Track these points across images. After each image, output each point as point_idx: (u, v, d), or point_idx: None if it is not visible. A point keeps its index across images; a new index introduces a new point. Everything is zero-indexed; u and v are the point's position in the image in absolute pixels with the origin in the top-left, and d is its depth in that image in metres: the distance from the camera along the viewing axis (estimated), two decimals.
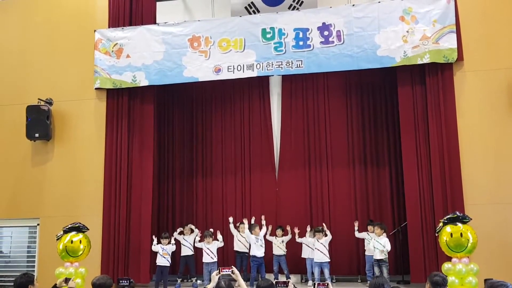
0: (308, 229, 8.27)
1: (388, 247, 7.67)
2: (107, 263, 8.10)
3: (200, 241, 8.30)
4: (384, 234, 7.79)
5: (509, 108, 7.49)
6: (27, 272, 5.00)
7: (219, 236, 8.17)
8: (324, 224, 8.15)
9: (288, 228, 8.35)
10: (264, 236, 8.16)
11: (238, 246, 8.35)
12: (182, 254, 8.46)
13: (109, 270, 7.93)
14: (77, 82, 8.76)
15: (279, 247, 8.21)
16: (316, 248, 7.89)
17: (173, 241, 8.15)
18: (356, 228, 8.10)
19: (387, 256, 7.68)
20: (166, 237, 8.13)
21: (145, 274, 8.10)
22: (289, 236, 8.27)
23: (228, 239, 8.61)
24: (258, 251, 7.97)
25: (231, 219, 8.39)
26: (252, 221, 8.37)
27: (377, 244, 7.70)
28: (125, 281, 5.74)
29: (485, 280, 4.37)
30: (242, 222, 8.31)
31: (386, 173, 8.83)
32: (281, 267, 8.18)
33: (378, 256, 7.69)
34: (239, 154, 9.30)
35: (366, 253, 8.03)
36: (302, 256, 8.23)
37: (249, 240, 8.12)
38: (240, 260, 8.31)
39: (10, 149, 8.82)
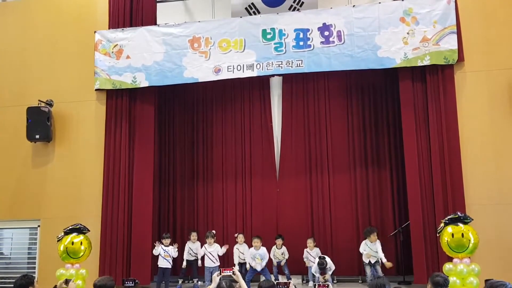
0: (310, 241, 8.16)
1: (381, 254, 7.63)
2: (104, 264, 8.08)
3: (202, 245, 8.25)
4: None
5: (509, 108, 7.49)
6: (27, 274, 4.98)
7: (224, 248, 8.00)
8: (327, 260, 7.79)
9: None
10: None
11: (240, 259, 8.32)
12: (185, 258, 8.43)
13: (105, 272, 7.90)
14: (78, 84, 8.76)
15: (279, 258, 8.18)
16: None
17: (176, 248, 8.06)
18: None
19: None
20: (167, 237, 8.12)
21: (145, 275, 8.08)
22: (287, 255, 8.17)
23: (229, 242, 8.60)
24: (256, 265, 7.83)
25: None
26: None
27: (369, 250, 7.75)
28: (130, 282, 5.76)
29: (486, 281, 4.37)
30: (240, 233, 8.33)
31: (387, 174, 8.81)
32: (281, 268, 8.17)
33: (372, 260, 7.76)
34: (240, 156, 9.27)
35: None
36: (307, 265, 8.16)
37: (246, 255, 8.05)
38: (240, 266, 8.27)
39: (11, 150, 8.82)
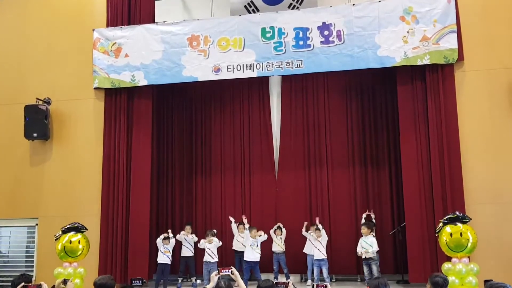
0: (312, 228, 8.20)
1: (375, 247, 7.61)
2: (105, 263, 8.07)
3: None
4: (372, 233, 7.72)
5: (509, 107, 7.48)
6: (25, 273, 4.97)
7: (215, 238, 8.08)
8: (319, 224, 8.00)
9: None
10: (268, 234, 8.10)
11: (237, 246, 8.35)
12: (182, 255, 8.44)
13: (107, 270, 7.91)
14: (75, 82, 8.73)
15: (279, 245, 8.19)
16: (315, 247, 7.86)
17: (171, 235, 8.09)
18: (364, 215, 8.04)
19: (375, 255, 7.62)
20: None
21: (143, 274, 8.05)
22: (284, 232, 8.22)
23: (227, 238, 8.61)
24: (252, 255, 7.81)
25: (232, 219, 8.40)
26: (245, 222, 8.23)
27: (364, 244, 7.70)
28: (138, 281, 5.79)
29: (485, 282, 4.35)
30: (241, 223, 8.28)
31: (386, 173, 8.82)
32: (281, 267, 8.16)
33: (365, 255, 7.65)
34: (239, 154, 9.28)
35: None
36: (304, 251, 8.16)
37: (245, 242, 8.04)
38: (238, 259, 8.29)
39: (8, 149, 8.79)
